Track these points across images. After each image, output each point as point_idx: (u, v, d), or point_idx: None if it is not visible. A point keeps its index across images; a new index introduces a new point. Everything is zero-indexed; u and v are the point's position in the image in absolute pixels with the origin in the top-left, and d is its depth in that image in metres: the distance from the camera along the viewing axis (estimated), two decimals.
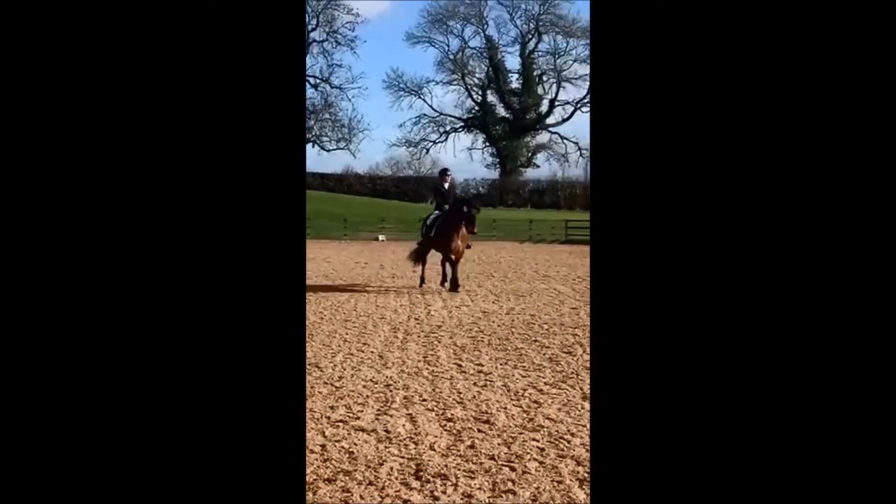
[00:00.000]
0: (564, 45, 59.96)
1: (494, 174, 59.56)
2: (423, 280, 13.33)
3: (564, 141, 60.84)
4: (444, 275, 12.91)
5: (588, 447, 4.31)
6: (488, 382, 6.03)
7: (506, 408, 5.23)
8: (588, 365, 6.72)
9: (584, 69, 58.47)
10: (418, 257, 13.41)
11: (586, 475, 3.85)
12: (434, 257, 13.27)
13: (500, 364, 6.81)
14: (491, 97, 60.92)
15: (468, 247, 13.00)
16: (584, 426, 4.76)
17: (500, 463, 4.05)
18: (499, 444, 4.38)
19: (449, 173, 13.56)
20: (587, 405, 5.29)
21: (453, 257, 12.46)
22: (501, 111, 61.12)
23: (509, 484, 3.74)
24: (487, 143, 60.97)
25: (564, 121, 61.87)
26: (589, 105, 57.53)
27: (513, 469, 3.95)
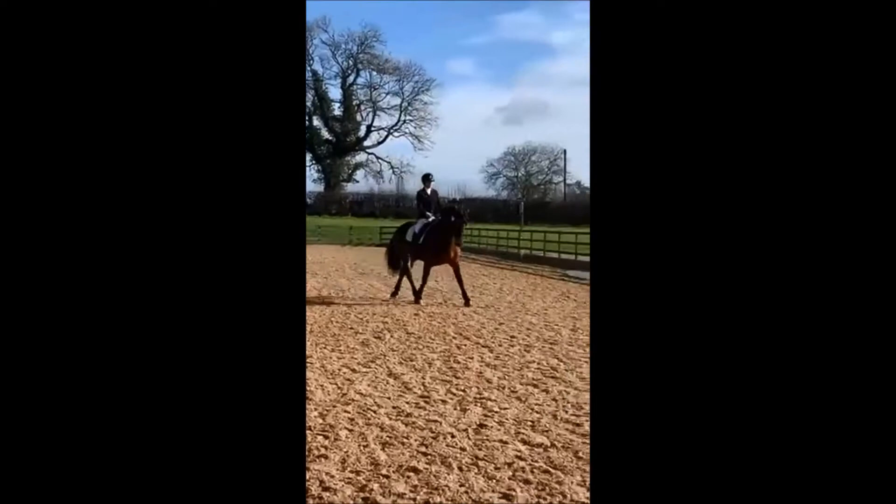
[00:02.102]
0: (379, 80, 68.54)
1: (320, 188, 66.44)
2: (397, 290, 11.61)
3: (380, 160, 68.92)
4: (400, 286, 11.63)
5: (390, 416, 4.66)
6: (308, 364, 6.27)
7: (322, 385, 5.51)
8: (394, 347, 7.28)
9: (396, 100, 68.59)
10: (395, 265, 11.85)
11: (388, 439, 4.15)
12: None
13: (320, 348, 7.15)
14: (317, 122, 67.12)
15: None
16: (389, 398, 5.14)
17: (315, 432, 4.27)
18: (315, 416, 4.61)
19: (432, 178, 11.96)
20: (392, 381, 5.72)
21: (452, 269, 11.18)
22: (326, 134, 67.81)
23: (322, 450, 3.94)
24: (314, 161, 66.86)
25: (379, 143, 69.70)
26: (400, 132, 66.01)
27: (326, 437, 4.18)
